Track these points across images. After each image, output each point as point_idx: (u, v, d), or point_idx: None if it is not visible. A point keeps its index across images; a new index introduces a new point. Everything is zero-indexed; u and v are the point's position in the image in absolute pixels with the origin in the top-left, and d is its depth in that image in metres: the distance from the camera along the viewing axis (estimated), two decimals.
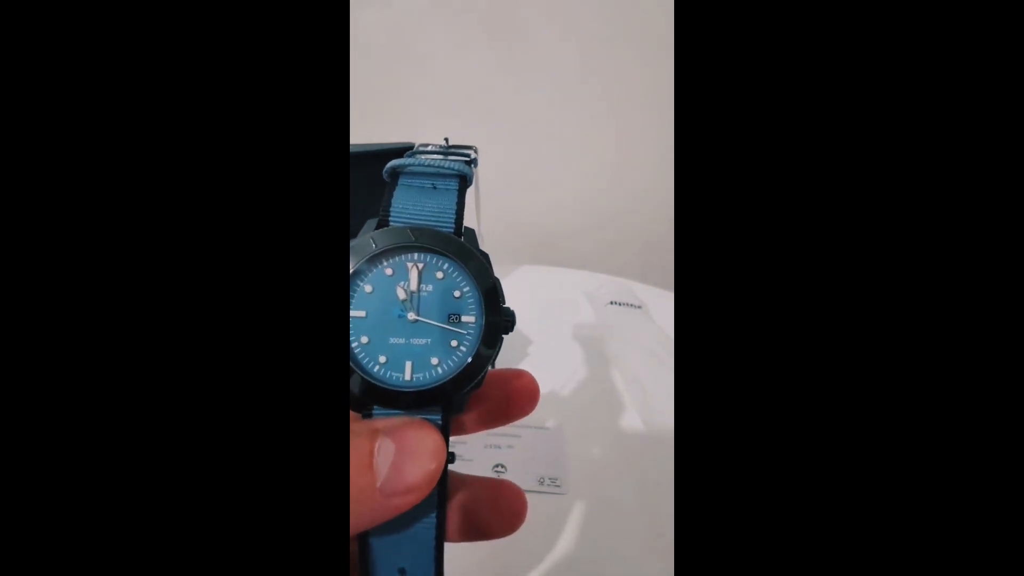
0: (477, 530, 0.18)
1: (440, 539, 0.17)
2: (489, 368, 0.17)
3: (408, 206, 0.17)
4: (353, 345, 0.16)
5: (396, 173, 0.17)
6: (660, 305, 0.56)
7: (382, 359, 0.16)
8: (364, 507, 0.14)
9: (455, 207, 0.17)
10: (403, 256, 0.16)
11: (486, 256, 0.17)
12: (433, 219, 0.17)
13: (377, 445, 0.15)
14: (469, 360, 0.16)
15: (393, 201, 0.17)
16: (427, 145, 0.19)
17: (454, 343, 0.16)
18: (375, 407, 0.16)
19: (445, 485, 0.17)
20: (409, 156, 0.17)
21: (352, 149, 0.42)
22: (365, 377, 0.16)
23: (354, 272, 0.16)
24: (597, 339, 0.52)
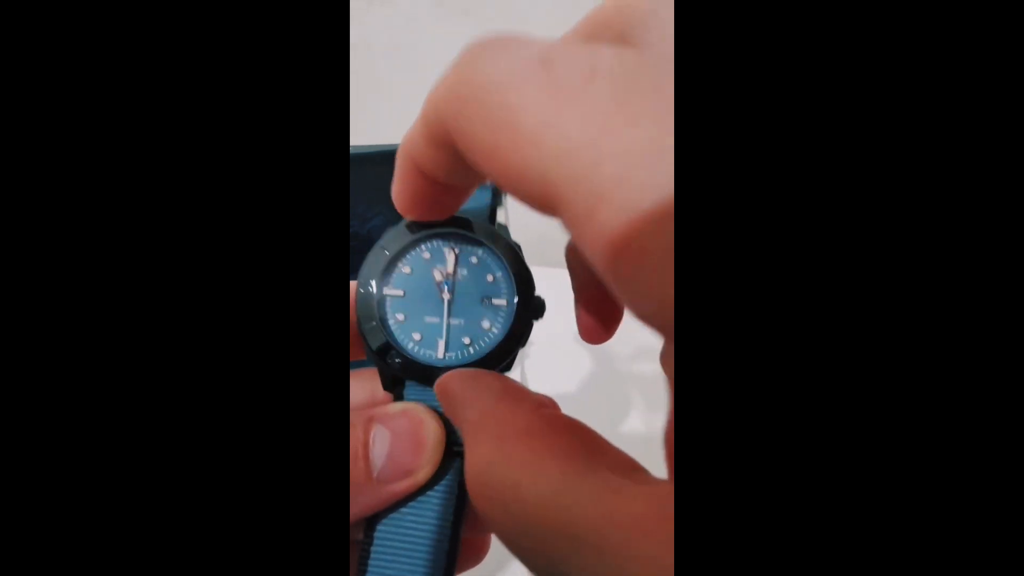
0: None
1: (452, 556, 0.16)
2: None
3: None
4: (390, 322, 0.16)
5: None
6: None
7: (416, 337, 0.16)
8: (360, 496, 0.14)
9: (490, 199, 0.18)
10: (441, 241, 0.17)
11: (518, 246, 0.18)
12: (470, 209, 0.17)
13: (373, 434, 0.15)
14: (500, 341, 0.17)
15: None
16: None
17: (486, 324, 0.17)
18: (408, 385, 0.16)
19: (464, 499, 0.16)
20: None
21: (353, 150, 0.41)
22: (400, 352, 0.16)
23: (395, 255, 0.17)
24: None
